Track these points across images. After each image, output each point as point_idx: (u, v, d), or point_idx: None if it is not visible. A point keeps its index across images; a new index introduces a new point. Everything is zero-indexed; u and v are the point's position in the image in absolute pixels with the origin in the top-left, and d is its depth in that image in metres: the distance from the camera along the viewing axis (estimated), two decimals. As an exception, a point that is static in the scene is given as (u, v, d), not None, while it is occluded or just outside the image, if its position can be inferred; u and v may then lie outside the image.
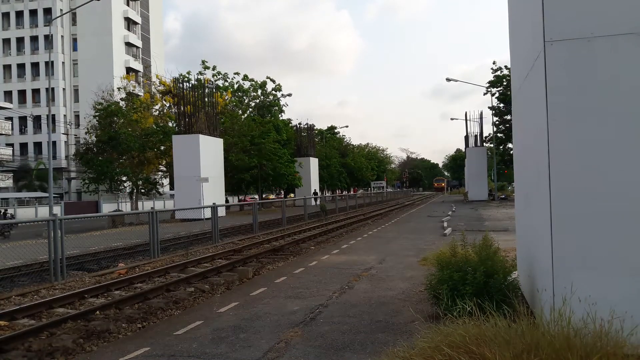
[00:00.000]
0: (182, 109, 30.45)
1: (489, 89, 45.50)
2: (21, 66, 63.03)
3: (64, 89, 61.99)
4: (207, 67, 44.36)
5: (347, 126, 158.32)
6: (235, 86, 48.69)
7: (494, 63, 45.14)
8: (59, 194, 54.95)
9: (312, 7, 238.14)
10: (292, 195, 50.89)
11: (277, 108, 53.28)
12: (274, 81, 52.70)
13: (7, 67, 63.32)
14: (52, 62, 49.74)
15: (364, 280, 8.71)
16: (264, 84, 51.80)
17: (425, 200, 58.43)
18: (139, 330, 6.54)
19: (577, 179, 4.27)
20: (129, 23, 67.11)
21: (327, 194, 62.50)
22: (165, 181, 39.79)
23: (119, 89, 39.52)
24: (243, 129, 38.99)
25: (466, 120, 51.08)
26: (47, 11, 61.59)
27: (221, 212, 25.49)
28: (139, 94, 40.98)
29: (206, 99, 31.94)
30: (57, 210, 33.15)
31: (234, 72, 53.28)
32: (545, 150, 4.37)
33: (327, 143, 65.17)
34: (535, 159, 5.06)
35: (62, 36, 62.07)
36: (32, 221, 14.21)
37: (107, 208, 44.24)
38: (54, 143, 54.67)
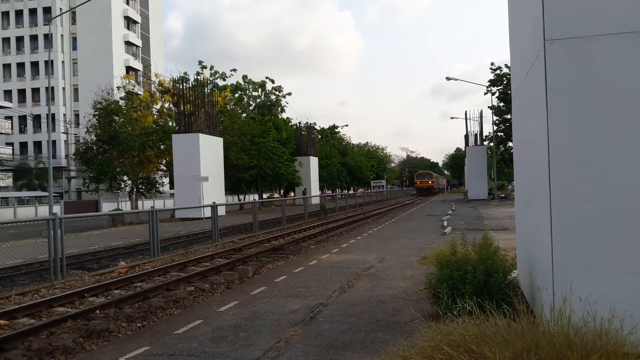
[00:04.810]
0: (181, 108, 30.44)
1: (489, 88, 45.46)
2: (21, 65, 62.98)
3: (63, 88, 61.94)
4: (204, 67, 44.20)
5: (347, 125, 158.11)
6: (229, 81, 48.24)
7: (492, 64, 44.85)
8: (59, 193, 54.93)
9: (315, 8, 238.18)
10: (292, 194, 50.91)
11: (276, 107, 53.16)
12: (273, 81, 52.69)
13: (6, 66, 63.28)
14: (52, 61, 49.71)
15: (364, 279, 8.70)
16: (263, 84, 51.77)
17: (424, 199, 58.43)
18: (139, 330, 6.54)
19: (577, 178, 4.27)
20: (129, 22, 67.03)
21: (326, 192, 62.48)
22: (165, 180, 39.78)
23: (118, 88, 39.46)
24: (243, 128, 38.97)
25: (466, 119, 51.13)
26: (47, 10, 61.52)
27: (221, 211, 25.49)
28: (139, 92, 40.89)
29: (206, 99, 31.93)
30: (57, 209, 33.15)
31: (231, 69, 53.15)
32: (545, 149, 4.37)
33: (327, 142, 65.16)
34: (535, 158, 5.05)
35: (61, 35, 62.01)
36: (32, 220, 14.18)
37: (106, 207, 44.22)
38: (54, 142, 54.68)
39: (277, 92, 53.15)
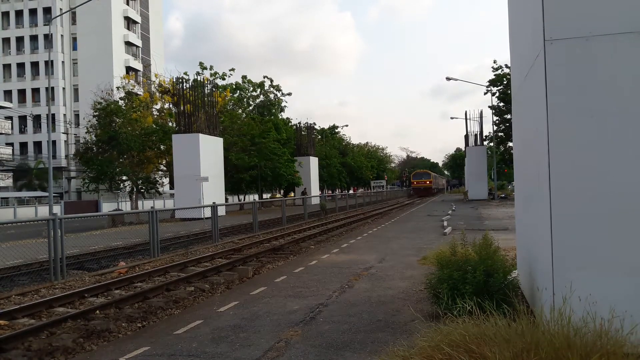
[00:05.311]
0: (181, 108, 30.44)
1: (489, 88, 45.46)
2: (21, 65, 63.01)
3: (63, 88, 61.97)
4: (204, 68, 44.24)
5: (347, 125, 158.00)
6: (228, 81, 48.09)
7: (494, 62, 45.01)
8: (59, 193, 54.95)
9: (315, 8, 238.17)
10: (292, 194, 50.94)
11: (277, 106, 53.14)
12: (272, 80, 52.68)
13: (6, 67, 63.31)
14: (52, 61, 49.74)
15: (364, 280, 8.70)
16: (262, 84, 51.76)
17: (424, 199, 58.43)
18: (138, 330, 6.54)
19: (577, 178, 4.27)
20: (129, 22, 67.05)
21: (326, 192, 62.48)
22: (165, 180, 39.79)
23: (118, 88, 39.47)
24: (243, 128, 38.97)
25: (466, 119, 51.10)
26: (47, 10, 61.54)
27: (221, 211, 25.49)
28: (139, 93, 40.89)
29: (206, 99, 31.94)
30: (57, 209, 33.14)
31: (229, 69, 53.15)
32: (545, 149, 4.37)
33: (327, 142, 65.15)
34: (535, 158, 5.05)
35: (61, 35, 62.03)
36: (32, 220, 14.18)
37: (106, 207, 44.23)
38: (54, 142, 54.69)
39: (275, 91, 53.17)
